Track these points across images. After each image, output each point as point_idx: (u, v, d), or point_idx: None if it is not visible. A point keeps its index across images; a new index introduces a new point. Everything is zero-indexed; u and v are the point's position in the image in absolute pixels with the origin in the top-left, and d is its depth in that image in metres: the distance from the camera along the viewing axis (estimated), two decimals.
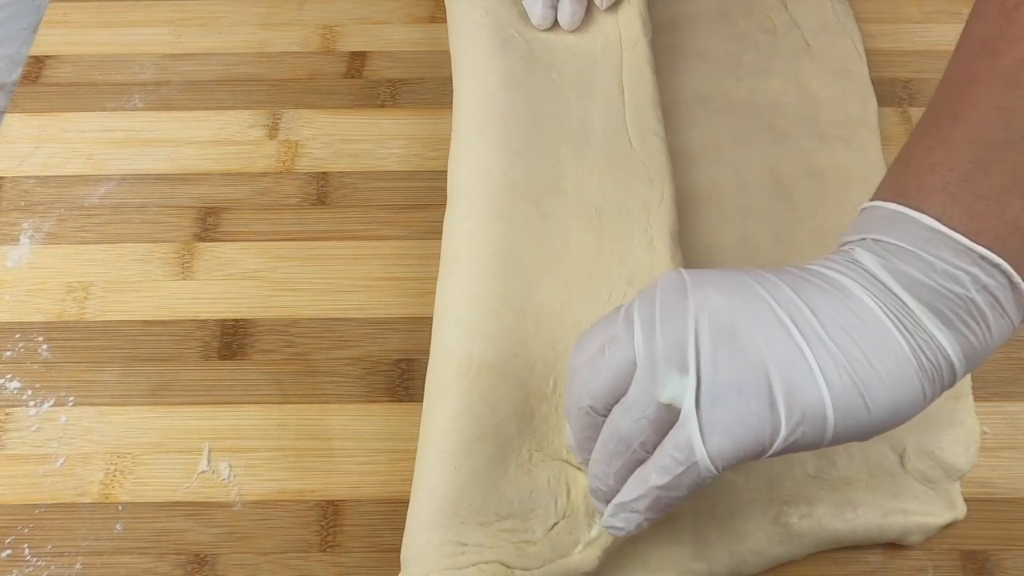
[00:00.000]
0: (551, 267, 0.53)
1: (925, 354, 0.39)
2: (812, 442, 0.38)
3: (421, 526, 0.46)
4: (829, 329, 0.38)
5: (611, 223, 0.54)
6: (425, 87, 0.69)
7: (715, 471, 0.39)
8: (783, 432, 0.38)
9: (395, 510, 0.49)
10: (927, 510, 0.50)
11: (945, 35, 0.71)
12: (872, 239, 0.40)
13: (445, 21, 0.66)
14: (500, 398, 0.48)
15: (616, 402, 0.42)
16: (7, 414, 0.55)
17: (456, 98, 0.61)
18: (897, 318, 0.39)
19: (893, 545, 0.51)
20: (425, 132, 0.66)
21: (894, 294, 0.39)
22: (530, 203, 0.54)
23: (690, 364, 0.39)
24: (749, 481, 0.50)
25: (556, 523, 0.46)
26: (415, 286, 0.59)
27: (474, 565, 0.45)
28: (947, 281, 0.38)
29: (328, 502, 0.52)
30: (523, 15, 0.63)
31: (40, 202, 0.63)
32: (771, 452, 0.39)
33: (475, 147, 0.57)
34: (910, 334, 0.38)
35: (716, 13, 0.70)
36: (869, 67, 0.68)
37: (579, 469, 0.48)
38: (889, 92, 0.68)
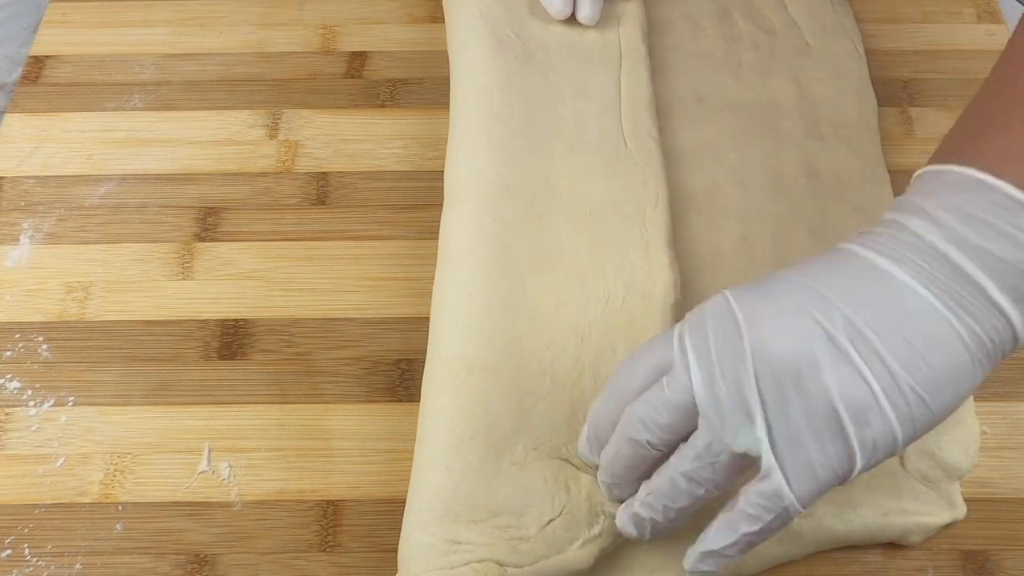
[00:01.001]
0: (545, 267, 0.53)
1: (988, 336, 0.38)
2: (884, 459, 0.39)
3: (414, 525, 0.46)
4: (889, 344, 0.38)
5: (606, 224, 0.55)
6: (424, 87, 0.69)
7: (803, 510, 0.39)
8: (859, 464, 0.39)
9: (395, 510, 0.49)
10: (927, 510, 0.50)
11: (945, 35, 0.71)
12: (940, 207, 0.39)
13: (444, 21, 0.66)
14: (492, 397, 0.48)
15: (672, 437, 0.42)
16: (7, 414, 0.55)
17: (453, 99, 0.61)
18: (956, 302, 0.38)
19: (893, 545, 0.51)
20: (425, 132, 0.66)
21: (962, 271, 0.38)
22: (524, 203, 0.54)
23: (755, 413, 0.39)
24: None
25: (552, 520, 0.46)
26: (414, 286, 0.59)
27: (467, 564, 0.45)
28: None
29: (328, 502, 0.52)
30: (520, 16, 0.63)
31: (40, 202, 0.63)
32: (850, 480, 0.40)
33: (470, 148, 0.57)
34: (971, 317, 0.38)
35: (716, 13, 0.70)
36: (869, 67, 0.68)
37: (579, 468, 0.48)
38: (889, 92, 0.68)
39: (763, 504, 0.39)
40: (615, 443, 0.44)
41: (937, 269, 0.38)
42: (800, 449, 0.38)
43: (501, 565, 0.45)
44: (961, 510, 0.51)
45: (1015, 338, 0.39)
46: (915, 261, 0.39)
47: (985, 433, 0.54)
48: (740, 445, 0.39)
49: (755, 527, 0.40)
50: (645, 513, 0.43)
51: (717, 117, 0.64)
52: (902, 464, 0.51)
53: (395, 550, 0.47)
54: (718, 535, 0.41)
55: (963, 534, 0.51)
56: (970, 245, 0.38)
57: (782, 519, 0.40)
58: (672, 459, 0.42)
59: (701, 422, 0.40)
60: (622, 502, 0.46)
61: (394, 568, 0.47)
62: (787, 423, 0.38)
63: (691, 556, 0.43)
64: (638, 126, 0.59)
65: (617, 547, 0.48)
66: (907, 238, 0.39)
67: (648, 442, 0.42)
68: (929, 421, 0.39)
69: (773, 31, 0.69)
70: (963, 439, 0.52)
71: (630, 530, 0.45)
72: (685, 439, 0.42)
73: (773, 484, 0.39)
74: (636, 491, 0.44)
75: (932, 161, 0.41)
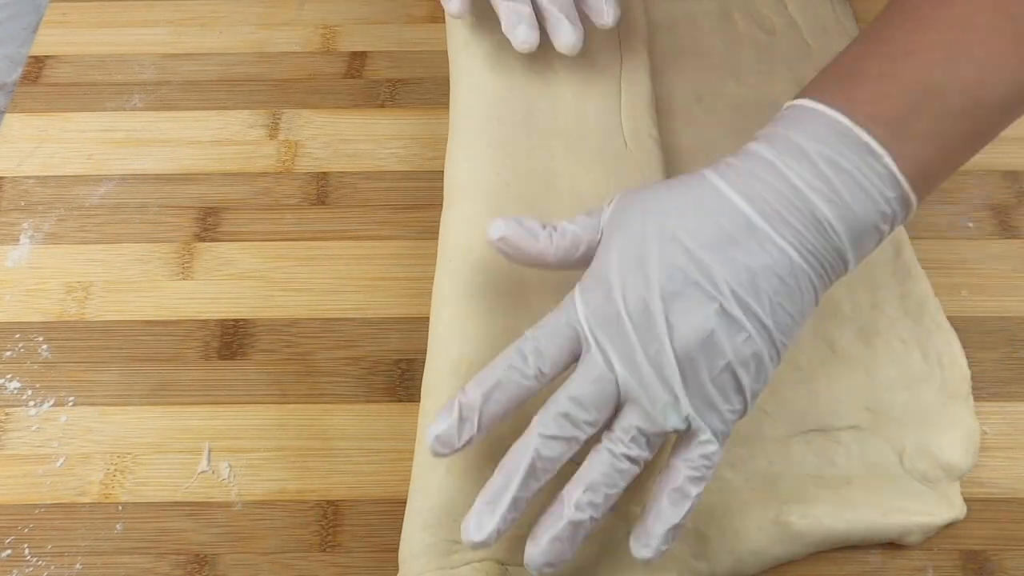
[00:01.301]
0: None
1: (830, 282, 0.44)
2: None
3: (415, 525, 0.46)
4: (766, 308, 0.42)
5: None
6: (424, 87, 0.69)
7: None
8: (750, 407, 0.44)
9: (395, 510, 0.49)
10: (927, 510, 0.50)
11: None
12: (818, 156, 0.42)
13: (444, 21, 0.66)
14: None
15: (596, 428, 0.43)
16: (7, 414, 0.55)
17: (453, 99, 0.61)
18: (815, 257, 0.43)
19: (893, 545, 0.51)
20: (425, 132, 0.66)
21: (822, 224, 0.42)
22: (524, 203, 0.54)
23: (680, 393, 0.42)
24: (749, 481, 0.51)
25: None
26: (414, 286, 0.59)
27: (468, 563, 0.45)
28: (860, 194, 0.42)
29: (328, 502, 0.52)
30: None
31: (40, 202, 0.63)
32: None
33: (470, 148, 0.57)
34: (823, 269, 0.43)
35: (716, 13, 0.70)
36: None
37: (579, 464, 0.47)
38: None
39: (707, 464, 0.43)
40: (529, 447, 0.42)
41: (800, 221, 0.42)
42: (715, 411, 0.43)
43: (502, 564, 0.45)
44: (961, 510, 0.51)
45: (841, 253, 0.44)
46: (782, 215, 0.42)
47: (985, 433, 0.54)
48: (672, 424, 0.42)
49: (701, 487, 0.43)
50: (584, 514, 0.42)
51: (717, 117, 0.64)
52: (902, 464, 0.51)
53: (395, 550, 0.47)
54: (676, 507, 0.43)
55: (963, 534, 0.51)
56: (835, 198, 0.42)
57: (714, 472, 0.44)
58: (604, 445, 0.43)
59: (630, 406, 0.43)
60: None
61: (394, 568, 0.47)
62: (702, 393, 0.42)
63: (653, 538, 0.43)
64: (638, 126, 0.59)
65: (617, 543, 0.48)
66: (776, 184, 0.43)
67: (575, 438, 0.43)
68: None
69: (773, 31, 0.69)
70: (963, 439, 0.52)
71: (556, 552, 0.42)
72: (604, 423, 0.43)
73: (713, 446, 0.43)
74: (517, 513, 0.42)
75: (808, 94, 0.45)
